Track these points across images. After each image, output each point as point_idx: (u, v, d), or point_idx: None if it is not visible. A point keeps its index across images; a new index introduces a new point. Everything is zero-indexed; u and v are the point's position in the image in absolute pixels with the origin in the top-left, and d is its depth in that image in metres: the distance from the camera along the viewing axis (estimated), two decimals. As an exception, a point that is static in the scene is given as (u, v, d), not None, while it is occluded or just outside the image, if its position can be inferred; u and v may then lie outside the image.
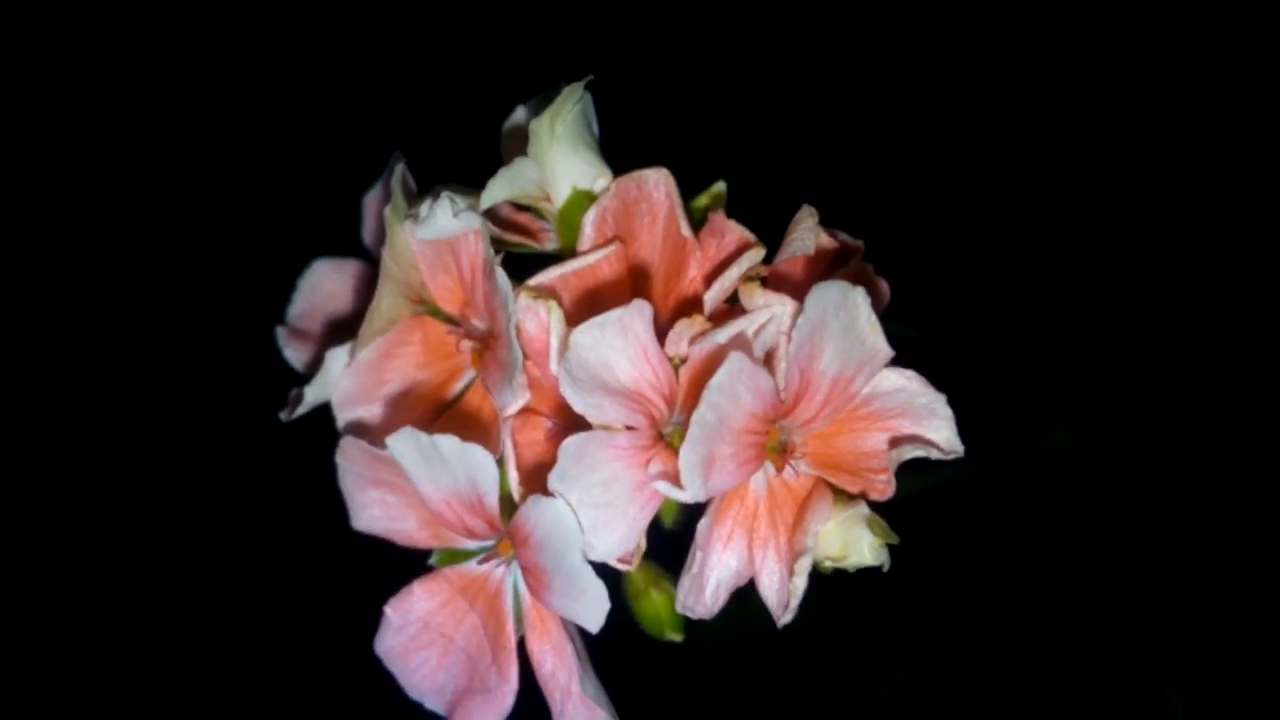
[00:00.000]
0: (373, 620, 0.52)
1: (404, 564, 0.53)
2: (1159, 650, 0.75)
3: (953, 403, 0.51)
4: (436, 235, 0.48)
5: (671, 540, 0.51)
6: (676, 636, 0.53)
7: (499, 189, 0.48)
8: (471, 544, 0.50)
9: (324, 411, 0.55)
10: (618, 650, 0.52)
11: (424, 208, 0.48)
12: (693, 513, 0.50)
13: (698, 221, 0.50)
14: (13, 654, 0.88)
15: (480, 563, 0.50)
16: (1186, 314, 0.84)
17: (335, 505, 0.53)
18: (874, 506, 0.48)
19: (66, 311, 0.95)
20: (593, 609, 0.44)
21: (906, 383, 0.46)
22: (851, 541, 0.45)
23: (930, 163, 0.90)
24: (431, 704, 0.52)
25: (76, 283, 0.95)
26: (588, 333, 0.44)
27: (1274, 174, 0.85)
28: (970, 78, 0.91)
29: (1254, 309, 0.84)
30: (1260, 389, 0.81)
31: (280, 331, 0.58)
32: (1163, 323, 0.84)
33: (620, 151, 0.52)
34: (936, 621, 0.79)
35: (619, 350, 0.44)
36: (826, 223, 0.51)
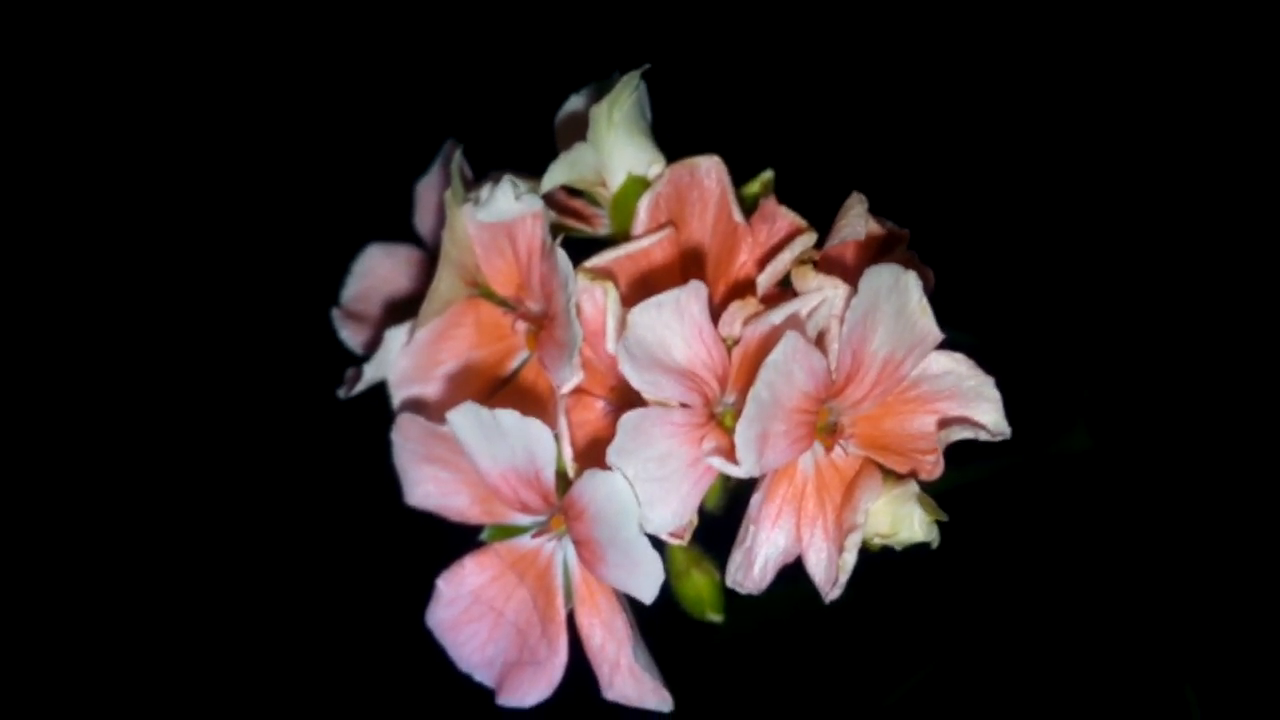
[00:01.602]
0: (423, 595, 0.54)
1: (455, 540, 0.55)
2: (1177, 651, 0.75)
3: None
4: (497, 217, 0.49)
5: (712, 525, 0.52)
6: (717, 617, 0.54)
7: (559, 173, 0.50)
8: (524, 519, 0.51)
9: (373, 393, 0.56)
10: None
11: (484, 191, 0.49)
12: (734, 499, 0.51)
13: (748, 208, 0.51)
14: (40, 652, 0.90)
15: (533, 537, 0.51)
16: (1211, 317, 0.84)
17: (385, 483, 0.54)
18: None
19: (116, 303, 0.96)
20: (647, 580, 0.45)
21: (955, 365, 0.47)
22: (902, 518, 0.46)
23: (958, 161, 0.91)
24: (481, 676, 0.53)
25: (127, 272, 0.97)
26: (646, 312, 0.45)
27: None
28: (1004, 74, 0.92)
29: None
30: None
31: (335, 313, 0.59)
32: (1186, 325, 0.84)
33: (672, 139, 0.53)
34: (959, 619, 0.79)
35: (675, 330, 0.46)
36: (872, 213, 0.52)
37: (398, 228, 0.62)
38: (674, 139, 0.53)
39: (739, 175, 0.52)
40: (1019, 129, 0.91)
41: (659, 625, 0.54)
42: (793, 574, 0.52)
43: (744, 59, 0.91)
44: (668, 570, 0.54)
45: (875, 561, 0.50)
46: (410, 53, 0.97)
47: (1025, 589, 0.79)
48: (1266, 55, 0.89)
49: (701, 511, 0.51)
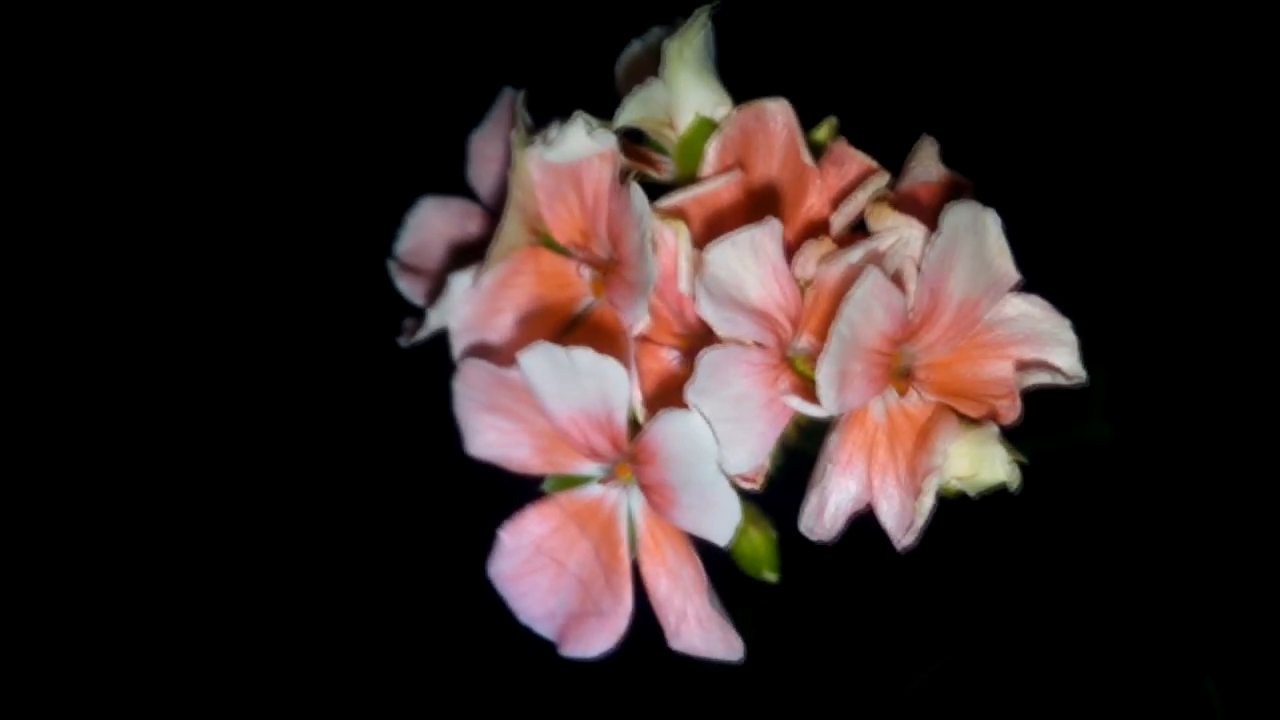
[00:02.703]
0: (484, 547, 0.53)
1: (514, 493, 0.54)
2: (1198, 643, 0.74)
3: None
4: (568, 156, 0.49)
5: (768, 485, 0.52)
6: (773, 576, 0.53)
7: (633, 109, 0.49)
8: (590, 467, 0.51)
9: (427, 347, 0.56)
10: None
11: (553, 130, 0.49)
12: (794, 459, 0.51)
13: (815, 152, 0.51)
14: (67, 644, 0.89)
15: (596, 486, 0.51)
16: (1231, 306, 0.84)
17: (442, 435, 0.53)
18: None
19: (167, 258, 0.96)
20: (725, 521, 0.45)
21: (1030, 308, 0.47)
22: (983, 458, 0.46)
23: (981, 141, 0.90)
24: (542, 629, 0.52)
25: (180, 227, 0.96)
26: (721, 249, 0.44)
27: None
28: (1035, 64, 0.91)
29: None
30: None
31: (392, 265, 0.59)
32: (1207, 314, 0.83)
33: (737, 84, 0.53)
34: (981, 606, 0.79)
35: (750, 268, 0.45)
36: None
37: (443, 182, 0.61)
38: (739, 83, 0.53)
39: (804, 120, 0.52)
40: (1044, 113, 0.90)
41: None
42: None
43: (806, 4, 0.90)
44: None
45: (888, 554, 0.49)
46: (459, 9, 0.97)
47: (1045, 579, 0.79)
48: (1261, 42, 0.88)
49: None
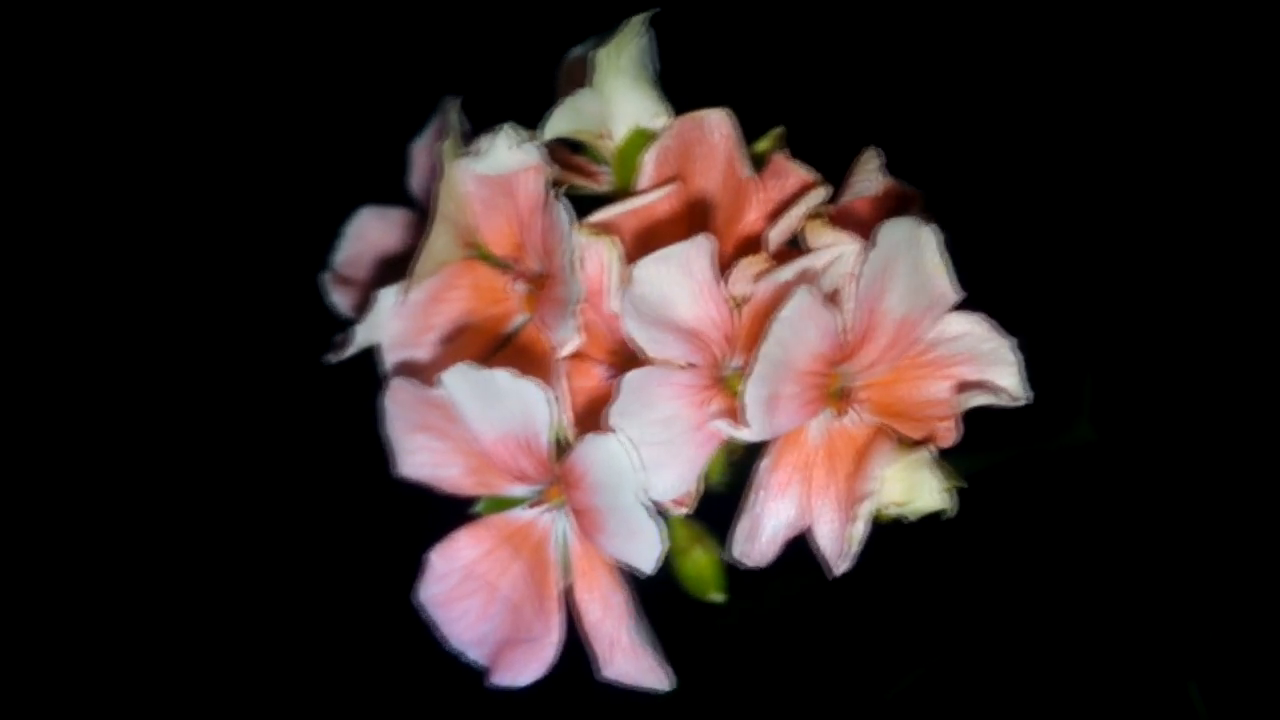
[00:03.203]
0: (413, 570, 0.51)
1: (445, 514, 0.52)
2: (1181, 647, 0.73)
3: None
4: (495, 169, 0.47)
5: (714, 501, 0.50)
6: (719, 597, 0.52)
7: (561, 121, 0.47)
8: (519, 490, 0.49)
9: (359, 362, 0.54)
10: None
11: (482, 142, 0.47)
12: (738, 474, 0.49)
13: (757, 164, 0.49)
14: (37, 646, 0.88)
15: (527, 509, 0.49)
16: (1214, 309, 0.83)
17: (372, 454, 0.52)
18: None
19: (101, 275, 0.94)
20: (647, 549, 0.43)
21: (973, 327, 0.45)
22: (917, 485, 0.44)
23: (962, 146, 0.89)
24: (473, 655, 0.51)
25: (114, 245, 0.94)
26: (650, 266, 0.43)
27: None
28: (1010, 63, 0.90)
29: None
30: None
31: (324, 277, 0.57)
32: (1190, 317, 0.83)
33: (679, 93, 0.51)
34: (961, 613, 0.78)
35: (681, 285, 0.43)
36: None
37: (391, 191, 0.60)
38: (681, 93, 0.51)
39: (748, 131, 0.50)
40: (1023, 117, 0.89)
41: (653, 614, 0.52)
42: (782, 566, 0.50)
43: (754, 10, 0.89)
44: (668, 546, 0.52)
45: (877, 553, 0.48)
46: (406, 12, 0.95)
47: (1027, 583, 0.78)
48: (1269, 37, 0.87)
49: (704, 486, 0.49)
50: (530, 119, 0.51)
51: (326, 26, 0.96)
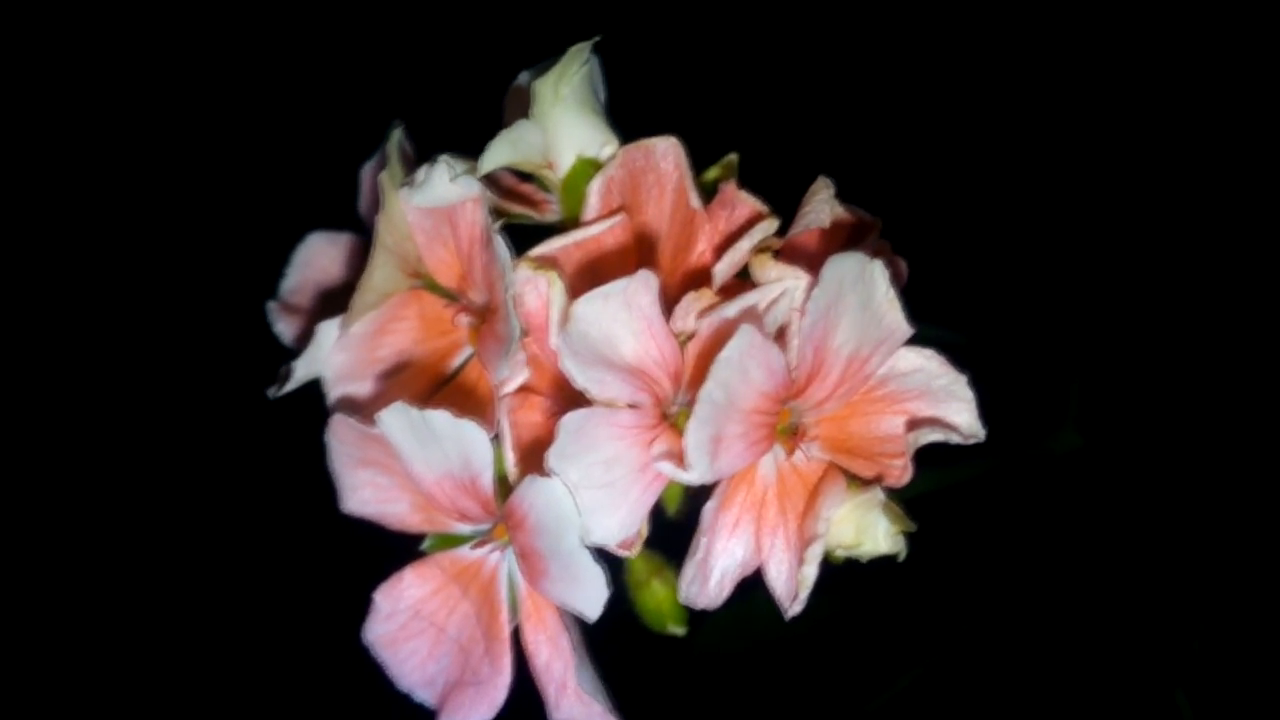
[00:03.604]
0: (362, 607, 0.50)
1: (395, 549, 0.51)
2: (1168, 655, 0.73)
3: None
4: (433, 201, 0.46)
5: (675, 529, 0.49)
6: (679, 630, 0.51)
7: (499, 152, 0.46)
8: (465, 528, 0.48)
9: (316, 389, 0.53)
10: (619, 644, 0.50)
11: (421, 173, 0.46)
12: (697, 501, 0.48)
13: (708, 194, 0.48)
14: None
15: (473, 548, 0.48)
16: (1200, 315, 0.82)
17: (326, 486, 0.51)
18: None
19: (61, 292, 0.93)
20: (590, 596, 0.42)
21: (925, 362, 0.44)
22: (866, 528, 0.43)
23: (946, 155, 0.88)
24: (421, 695, 0.49)
25: (69, 266, 0.93)
26: (590, 304, 0.41)
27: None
28: (993, 70, 0.89)
29: (1269, 311, 0.82)
30: (1272, 392, 0.79)
31: (271, 306, 0.55)
32: (1176, 323, 0.82)
33: (629, 120, 0.50)
34: (944, 623, 0.77)
35: (623, 323, 0.42)
36: (843, 201, 0.49)
37: (347, 215, 0.58)
38: (632, 120, 0.50)
39: (701, 159, 0.49)
40: (1010, 125, 0.88)
41: (633, 628, 0.51)
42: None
43: (709, 35, 0.87)
44: (627, 581, 0.51)
45: (858, 566, 0.47)
46: (366, 35, 0.94)
47: (1013, 592, 0.77)
48: (1241, 46, 0.86)
49: (663, 517, 0.48)
50: (490, 135, 0.50)
51: (288, 47, 0.94)
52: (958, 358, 0.46)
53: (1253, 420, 0.79)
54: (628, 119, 0.50)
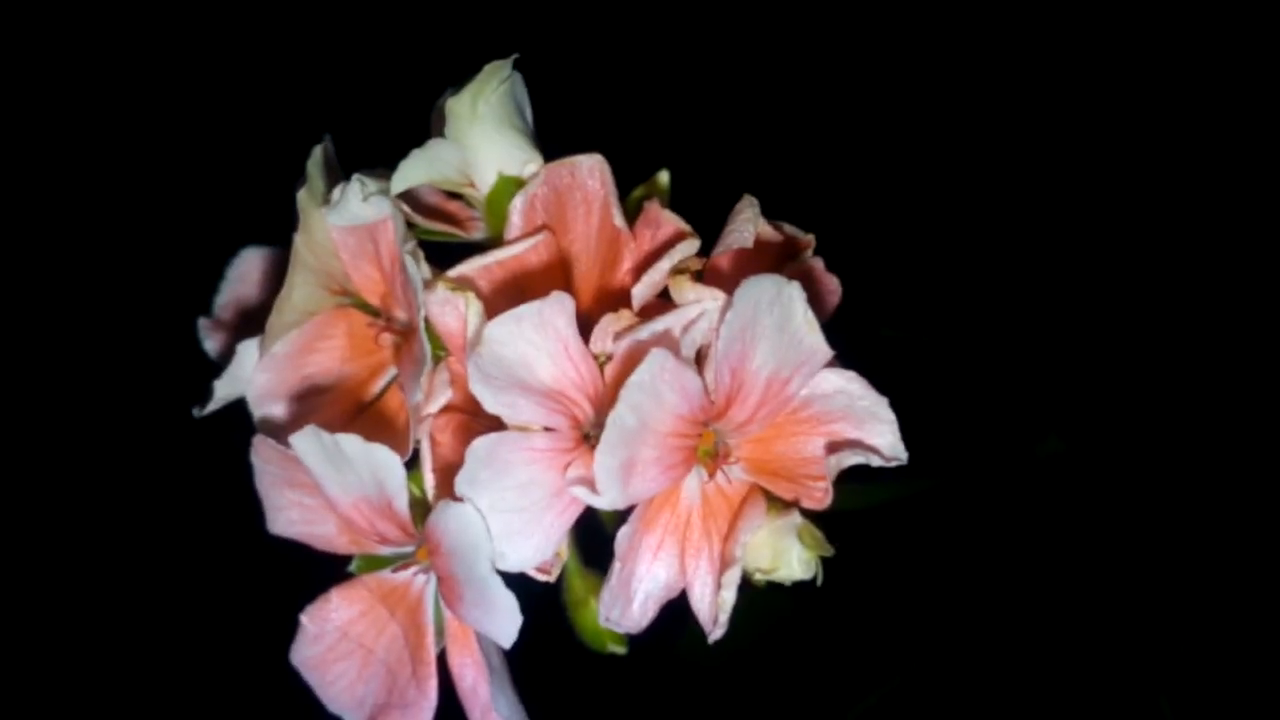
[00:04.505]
0: (291, 629, 0.50)
1: (323, 570, 0.50)
2: (1152, 661, 0.72)
3: (945, 407, 0.47)
4: (348, 220, 0.45)
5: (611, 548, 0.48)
6: (619, 649, 0.50)
7: (412, 171, 0.45)
8: (386, 550, 0.47)
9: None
10: (596, 655, 0.49)
11: (336, 192, 0.45)
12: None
13: (636, 213, 0.47)
14: None
15: (395, 570, 0.47)
16: (1180, 318, 0.81)
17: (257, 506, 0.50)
18: (814, 515, 0.45)
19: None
20: (503, 622, 0.41)
21: (847, 384, 0.43)
22: (781, 553, 0.43)
23: (917, 160, 0.87)
24: (351, 718, 0.49)
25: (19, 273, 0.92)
26: (503, 326, 0.41)
27: (1266, 177, 0.83)
28: (954, 70, 0.88)
29: (1248, 314, 0.81)
30: (1254, 395, 0.79)
31: (202, 323, 0.55)
32: (1156, 327, 0.81)
33: (556, 139, 0.49)
34: (925, 630, 0.76)
35: (538, 345, 0.41)
36: (788, 218, 0.48)
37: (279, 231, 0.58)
38: (560, 139, 0.49)
39: (630, 178, 0.48)
40: (983, 127, 0.88)
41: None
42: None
43: (637, 52, 0.87)
44: (565, 600, 0.51)
45: (839, 573, 0.46)
46: (311, 48, 0.93)
47: (995, 599, 0.76)
48: (1223, 55, 0.86)
49: (601, 534, 0.48)
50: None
51: (239, 58, 0.93)
52: (931, 367, 0.45)
53: (1237, 424, 0.78)
54: (555, 137, 0.50)
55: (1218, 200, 0.84)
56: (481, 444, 0.41)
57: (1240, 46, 0.85)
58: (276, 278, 0.56)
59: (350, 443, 0.42)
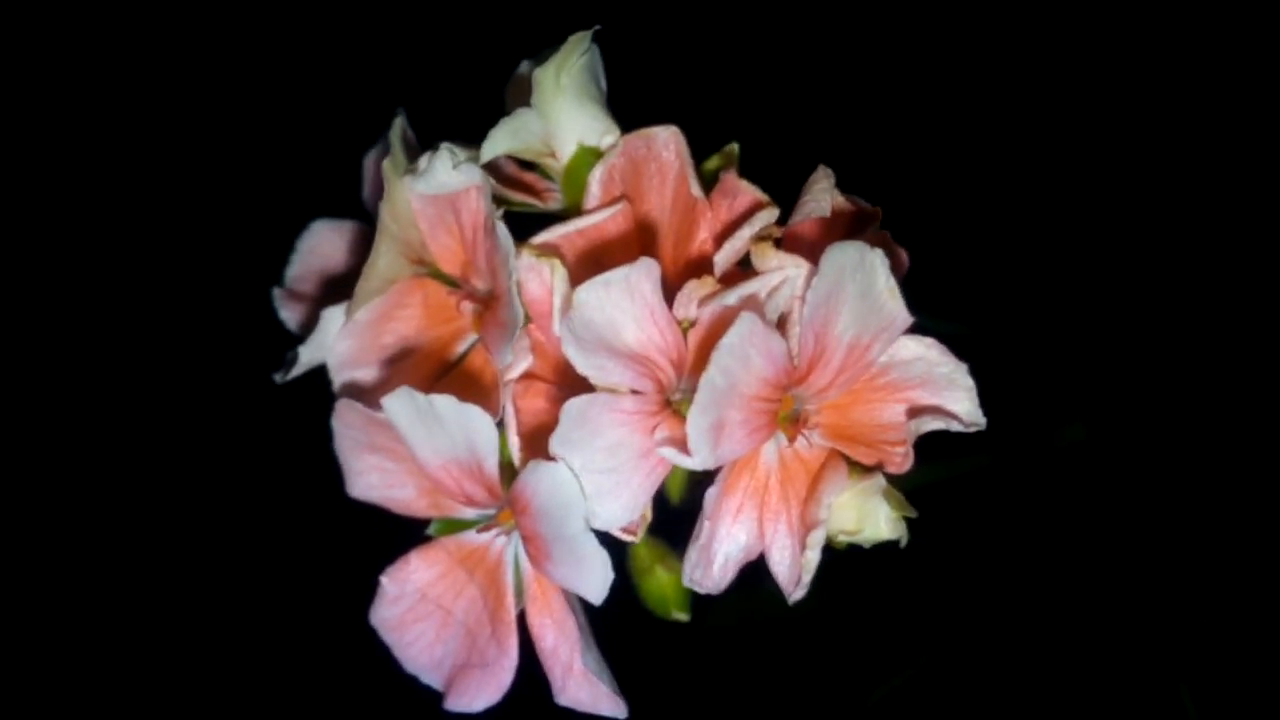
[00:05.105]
0: (368, 591, 0.51)
1: (400, 533, 0.52)
2: (1172, 650, 0.73)
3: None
4: (436, 189, 0.46)
5: (677, 516, 0.49)
6: (683, 616, 0.51)
7: (500, 141, 0.46)
8: (470, 513, 0.48)
9: (323, 374, 0.53)
10: (623, 630, 0.50)
11: (423, 161, 0.46)
12: (700, 489, 0.48)
13: (709, 182, 0.48)
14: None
15: (479, 532, 0.48)
16: (1205, 309, 0.82)
17: (332, 471, 0.51)
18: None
19: (65, 283, 0.93)
20: (595, 579, 0.42)
21: (926, 351, 0.44)
22: (867, 514, 0.43)
23: (953, 145, 0.88)
24: (429, 678, 0.50)
25: (76, 259, 0.93)
26: (592, 291, 0.42)
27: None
28: (999, 62, 0.89)
29: (1274, 304, 0.81)
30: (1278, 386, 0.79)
31: (277, 293, 0.56)
32: (1182, 317, 0.82)
33: (631, 109, 0.50)
34: (948, 615, 0.77)
35: (625, 310, 0.42)
36: (844, 191, 0.49)
37: (351, 203, 0.59)
38: (633, 109, 0.50)
39: (702, 148, 0.49)
40: (1016, 118, 0.88)
41: (638, 614, 0.51)
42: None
43: (711, 23, 0.87)
44: (630, 567, 0.52)
45: (858, 557, 0.47)
46: (369, 24, 0.94)
47: (1015, 586, 0.77)
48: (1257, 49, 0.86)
49: (666, 504, 0.49)
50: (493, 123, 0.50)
51: (290, 36, 0.94)
52: (960, 349, 0.46)
53: (1259, 413, 0.79)
54: (629, 109, 0.50)
55: (1246, 192, 0.84)
56: (575, 404, 0.42)
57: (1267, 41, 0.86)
58: (345, 249, 0.57)
59: (444, 403, 0.43)
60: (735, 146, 0.50)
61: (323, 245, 0.57)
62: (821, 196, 0.45)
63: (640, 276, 0.42)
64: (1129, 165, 0.86)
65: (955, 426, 0.44)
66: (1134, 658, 0.74)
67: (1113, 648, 0.75)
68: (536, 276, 0.45)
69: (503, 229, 0.44)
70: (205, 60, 0.94)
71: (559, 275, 0.44)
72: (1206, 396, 0.80)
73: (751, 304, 0.42)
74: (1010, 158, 0.87)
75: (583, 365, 0.42)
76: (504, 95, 0.52)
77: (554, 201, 0.51)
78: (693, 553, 0.44)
